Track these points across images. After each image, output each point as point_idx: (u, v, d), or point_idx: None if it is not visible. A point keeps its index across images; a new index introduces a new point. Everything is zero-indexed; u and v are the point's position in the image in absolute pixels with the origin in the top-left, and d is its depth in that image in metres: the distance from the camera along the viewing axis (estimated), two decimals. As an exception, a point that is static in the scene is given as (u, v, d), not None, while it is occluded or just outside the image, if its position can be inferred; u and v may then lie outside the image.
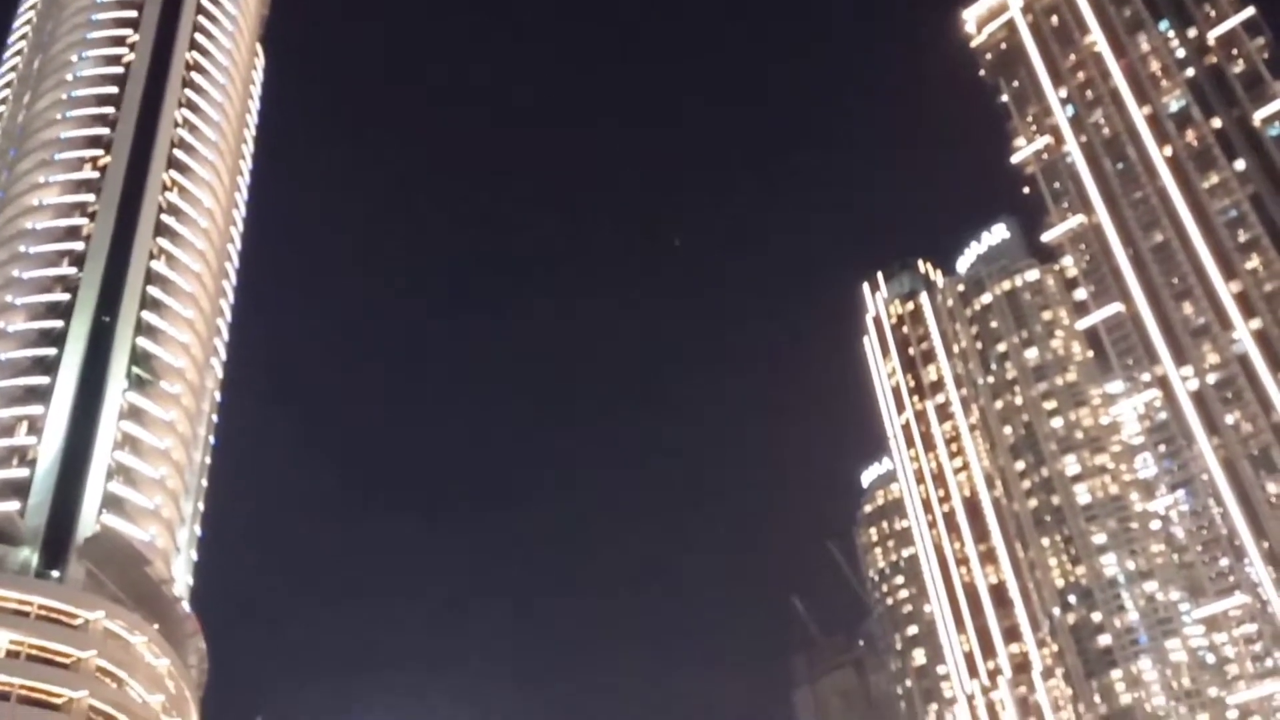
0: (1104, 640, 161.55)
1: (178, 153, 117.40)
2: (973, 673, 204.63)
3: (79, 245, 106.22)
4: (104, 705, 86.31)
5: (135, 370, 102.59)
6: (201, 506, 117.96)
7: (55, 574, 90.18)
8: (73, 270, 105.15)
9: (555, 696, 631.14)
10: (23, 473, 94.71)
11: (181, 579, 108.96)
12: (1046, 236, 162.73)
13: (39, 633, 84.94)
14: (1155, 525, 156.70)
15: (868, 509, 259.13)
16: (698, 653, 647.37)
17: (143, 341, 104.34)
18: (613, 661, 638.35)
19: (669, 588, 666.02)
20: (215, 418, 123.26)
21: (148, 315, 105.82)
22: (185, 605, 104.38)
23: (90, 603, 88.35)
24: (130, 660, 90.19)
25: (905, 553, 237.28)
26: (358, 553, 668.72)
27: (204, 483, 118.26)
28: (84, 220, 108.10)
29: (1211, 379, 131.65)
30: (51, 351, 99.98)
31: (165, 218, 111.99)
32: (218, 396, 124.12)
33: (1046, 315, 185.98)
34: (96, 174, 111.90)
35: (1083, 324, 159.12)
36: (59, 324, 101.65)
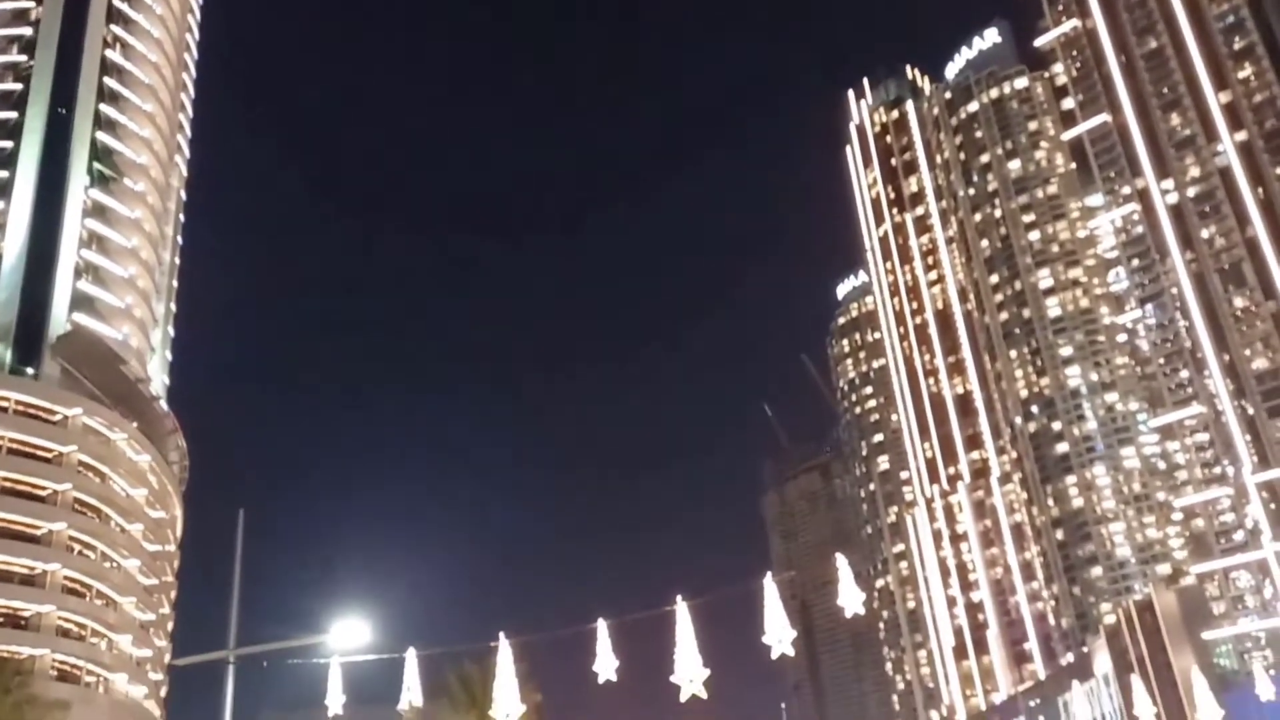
0: (1061, 448, 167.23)
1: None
2: (934, 478, 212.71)
3: (27, 30, 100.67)
4: (88, 498, 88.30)
5: (97, 166, 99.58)
6: (174, 307, 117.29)
7: (30, 371, 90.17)
8: (23, 58, 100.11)
9: (540, 487, 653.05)
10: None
11: (158, 378, 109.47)
12: (1040, 41, 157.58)
13: (18, 428, 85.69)
14: (1121, 338, 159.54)
15: (841, 321, 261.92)
16: (673, 460, 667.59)
17: (103, 136, 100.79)
18: (592, 466, 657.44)
19: (648, 396, 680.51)
20: (183, 218, 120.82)
21: (106, 109, 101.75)
22: (163, 404, 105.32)
23: (68, 400, 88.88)
24: (111, 456, 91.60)
25: (876, 364, 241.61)
26: (337, 354, 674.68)
27: (174, 283, 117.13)
28: (30, 2, 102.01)
29: (1191, 192, 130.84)
30: (8, 144, 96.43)
31: (118, 3, 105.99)
32: (183, 195, 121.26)
33: (1033, 125, 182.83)
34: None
35: (1068, 135, 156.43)
36: (13, 115, 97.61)
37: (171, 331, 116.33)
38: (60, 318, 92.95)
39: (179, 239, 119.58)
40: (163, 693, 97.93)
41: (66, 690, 73.89)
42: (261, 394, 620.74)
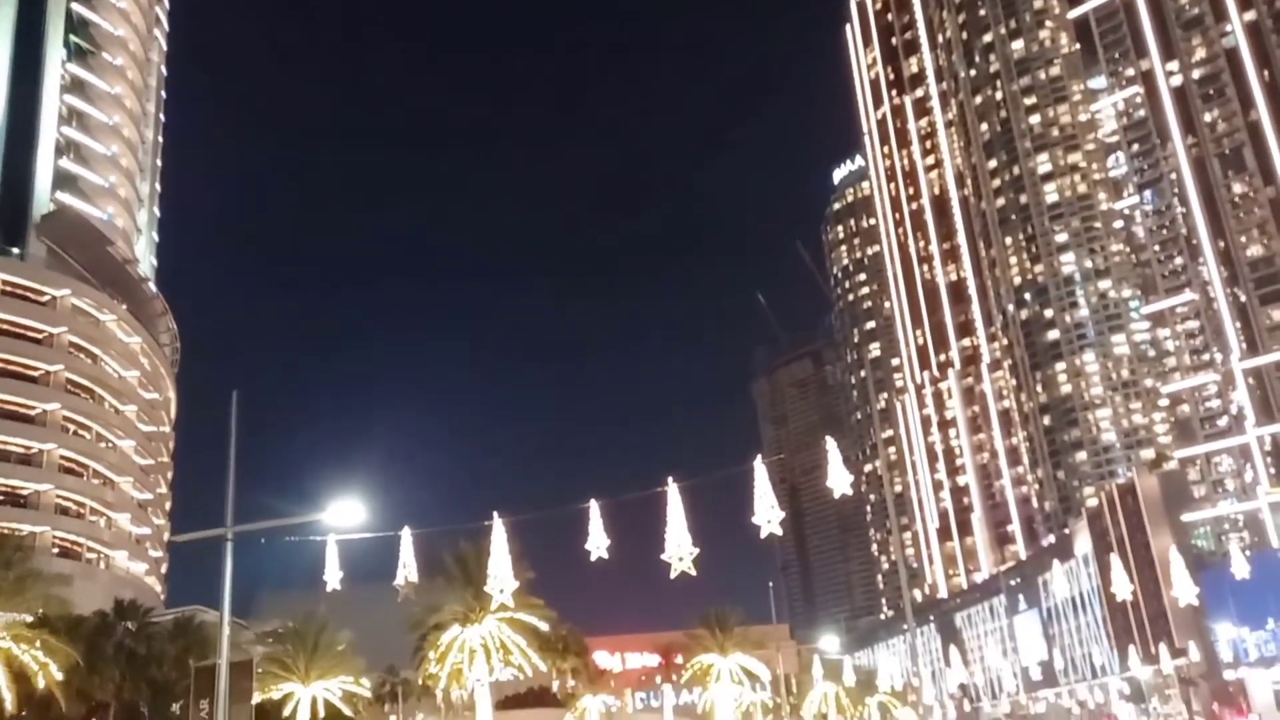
0: (1052, 335, 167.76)
1: None
2: (924, 364, 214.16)
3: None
4: (81, 379, 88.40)
5: (73, 39, 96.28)
6: (159, 187, 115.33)
7: (15, 251, 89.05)
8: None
9: (536, 375, 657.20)
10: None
11: (145, 259, 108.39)
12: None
13: (7, 309, 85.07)
14: (1118, 225, 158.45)
15: (836, 206, 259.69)
16: (668, 349, 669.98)
17: (78, 7, 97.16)
18: (592, 352, 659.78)
19: (644, 285, 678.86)
20: (164, 94, 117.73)
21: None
22: (151, 286, 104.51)
23: (55, 281, 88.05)
24: (102, 337, 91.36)
25: (870, 250, 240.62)
26: (325, 235, 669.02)
27: (158, 162, 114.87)
28: None
29: (1196, 74, 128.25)
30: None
31: None
32: (164, 71, 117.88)
33: (1038, 3, 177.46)
34: None
35: (1074, 13, 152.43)
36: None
37: (158, 212, 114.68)
38: (43, 197, 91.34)
39: (161, 116, 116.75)
40: (163, 569, 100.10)
41: (68, 566, 75.30)
42: (250, 277, 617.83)
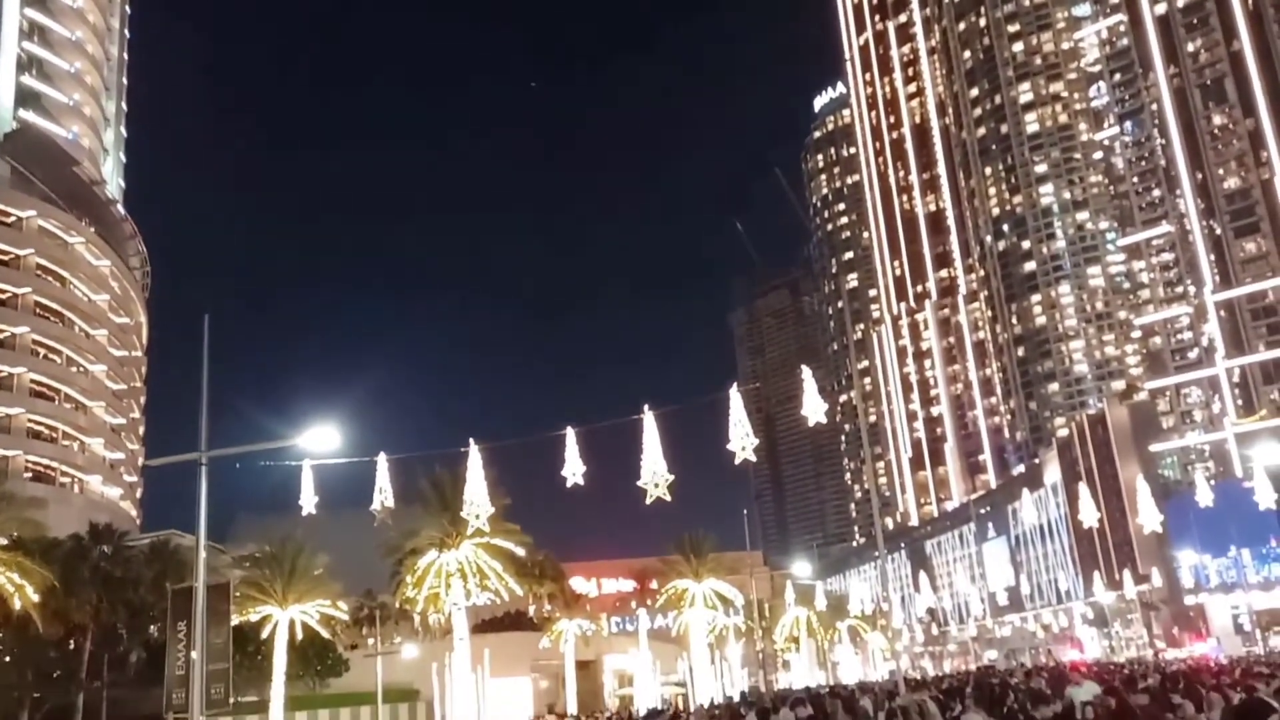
0: (1029, 266, 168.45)
1: None
2: (901, 295, 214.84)
3: None
4: (49, 302, 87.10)
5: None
6: (125, 107, 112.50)
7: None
8: None
9: (514, 303, 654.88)
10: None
11: (113, 181, 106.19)
12: None
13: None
14: (1097, 156, 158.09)
15: (817, 135, 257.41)
16: (647, 278, 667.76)
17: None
18: (569, 286, 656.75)
19: (623, 213, 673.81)
20: (128, 9, 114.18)
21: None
22: (120, 208, 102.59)
23: (21, 201, 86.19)
24: (70, 260, 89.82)
25: (850, 179, 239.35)
26: (301, 157, 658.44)
27: (124, 81, 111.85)
28: None
29: (1180, 2, 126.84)
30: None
31: None
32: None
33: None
34: None
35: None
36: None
37: (124, 132, 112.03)
38: (6, 114, 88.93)
39: (126, 32, 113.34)
40: (138, 494, 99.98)
41: (42, 490, 74.96)
42: (221, 198, 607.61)
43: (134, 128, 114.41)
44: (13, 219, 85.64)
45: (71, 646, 50.05)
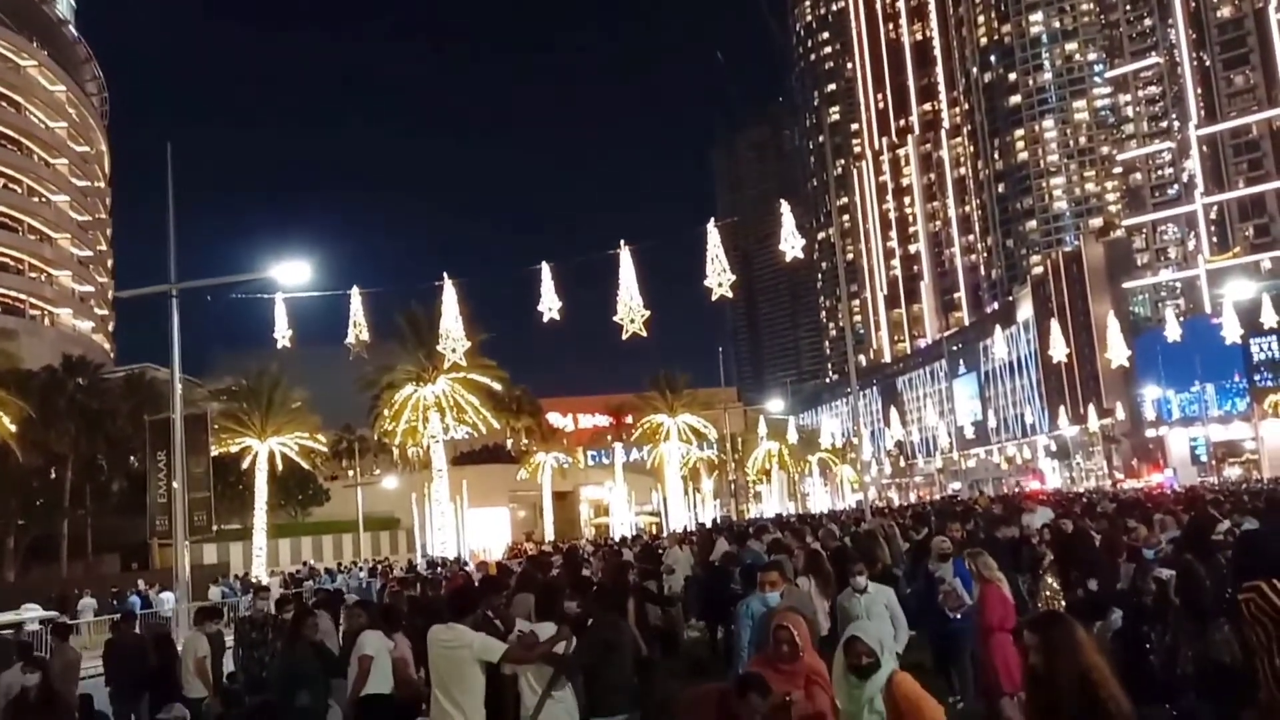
0: (1014, 100, 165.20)
1: None
2: (883, 130, 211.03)
3: None
4: (4, 129, 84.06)
5: None
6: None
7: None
8: None
9: (489, 132, 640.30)
10: None
11: (63, 1, 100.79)
12: None
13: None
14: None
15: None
16: (626, 111, 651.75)
17: None
18: (547, 117, 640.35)
19: (600, 45, 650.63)
20: None
21: None
22: (72, 29, 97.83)
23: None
24: (24, 85, 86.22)
25: (835, 6, 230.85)
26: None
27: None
28: None
29: None
30: None
31: None
32: None
33: None
34: None
35: None
36: None
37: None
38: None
39: None
40: (110, 328, 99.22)
41: (12, 321, 74.32)
42: (183, 21, 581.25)
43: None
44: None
45: (53, 476, 50.63)
